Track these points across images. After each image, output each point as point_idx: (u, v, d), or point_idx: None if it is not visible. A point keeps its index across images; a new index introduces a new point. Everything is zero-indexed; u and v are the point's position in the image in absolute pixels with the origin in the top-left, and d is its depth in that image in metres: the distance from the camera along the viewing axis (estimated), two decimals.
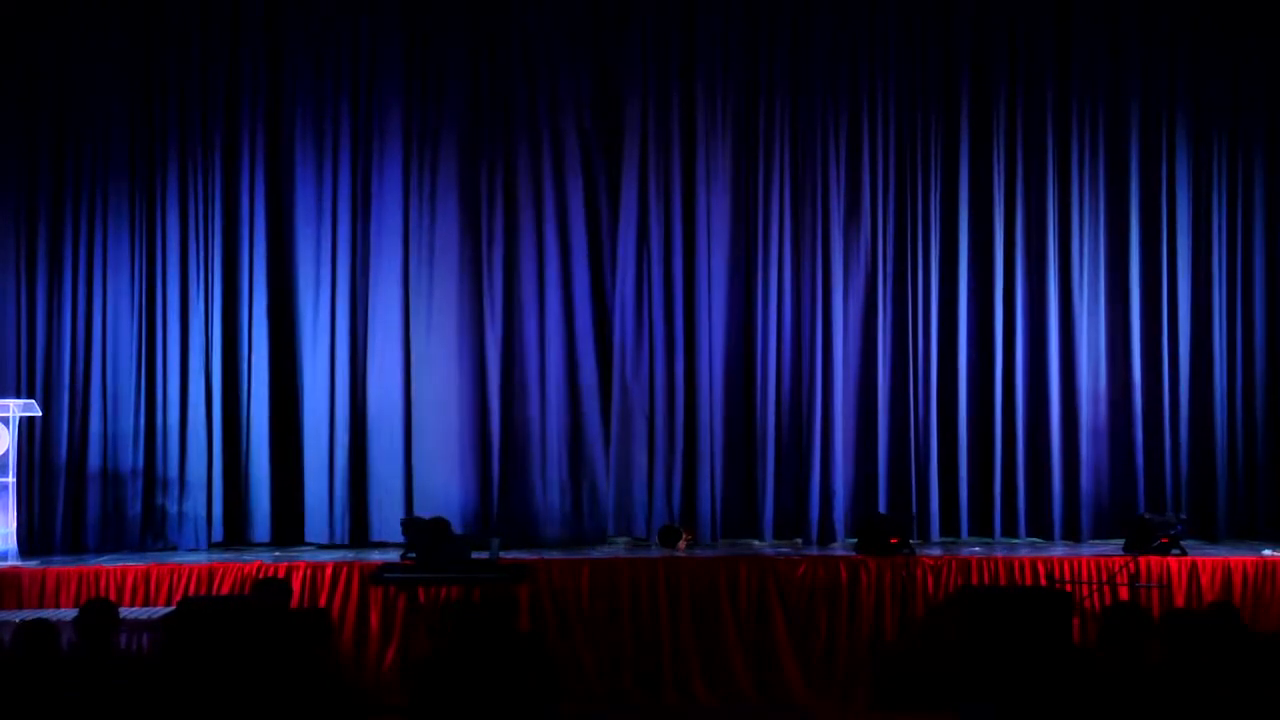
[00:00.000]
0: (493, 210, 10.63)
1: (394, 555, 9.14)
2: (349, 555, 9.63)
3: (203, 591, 8.70)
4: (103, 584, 8.70)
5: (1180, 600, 8.82)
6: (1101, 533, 10.55)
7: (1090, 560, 9.00)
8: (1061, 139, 10.81)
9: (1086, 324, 10.74)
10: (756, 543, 10.39)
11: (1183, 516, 9.77)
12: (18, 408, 9.43)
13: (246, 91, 10.52)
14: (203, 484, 10.34)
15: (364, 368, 10.52)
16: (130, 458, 10.31)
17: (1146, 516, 9.58)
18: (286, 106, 10.56)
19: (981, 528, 10.67)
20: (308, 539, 10.36)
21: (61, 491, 10.20)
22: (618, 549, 10.06)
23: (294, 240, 10.55)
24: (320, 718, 5.60)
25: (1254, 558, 9.07)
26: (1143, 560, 8.80)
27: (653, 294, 10.61)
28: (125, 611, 7.66)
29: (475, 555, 8.71)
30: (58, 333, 10.35)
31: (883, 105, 10.77)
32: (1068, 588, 8.64)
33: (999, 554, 9.29)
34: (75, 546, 10.10)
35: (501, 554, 8.85)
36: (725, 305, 10.68)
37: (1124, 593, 8.61)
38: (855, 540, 9.84)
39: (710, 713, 8.56)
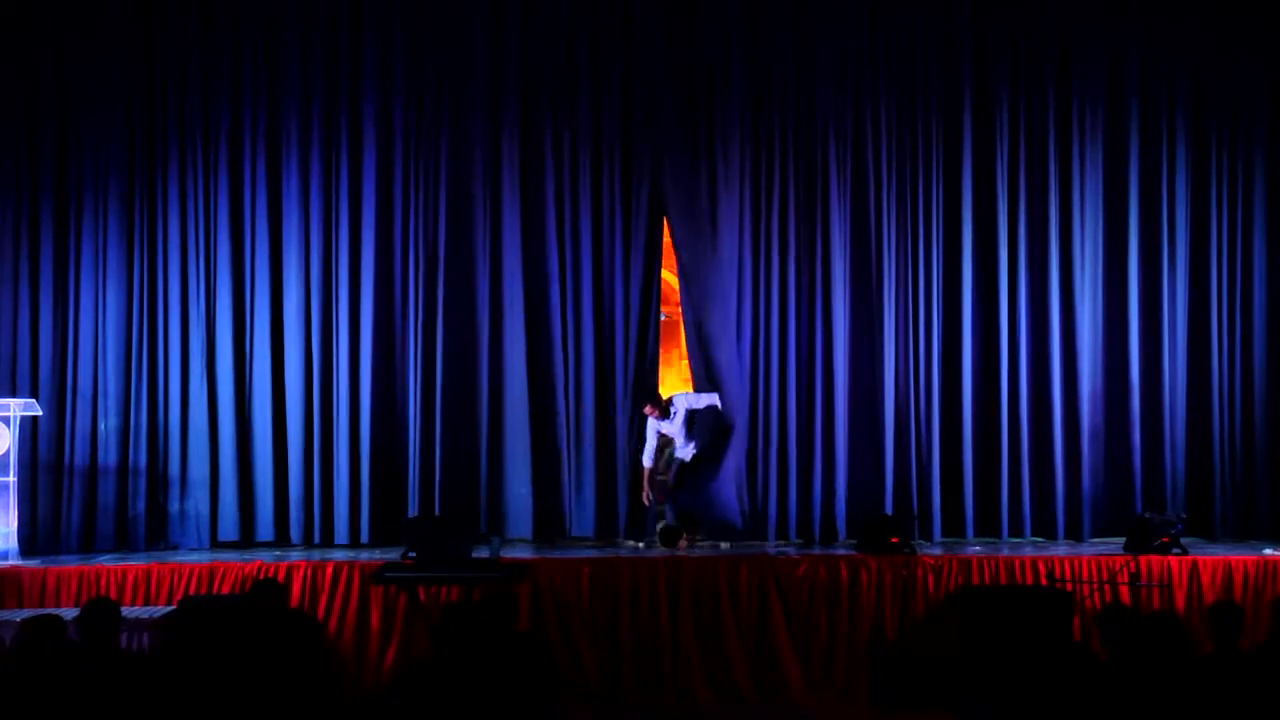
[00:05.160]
0: (496, 210, 10.64)
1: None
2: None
3: (203, 591, 8.71)
4: (104, 583, 8.72)
5: (1181, 599, 8.83)
6: (1102, 532, 10.56)
7: (1091, 560, 9.00)
8: (1063, 140, 10.82)
9: (1087, 324, 10.76)
10: (759, 542, 10.38)
11: (1183, 515, 9.77)
12: (18, 407, 9.45)
13: (247, 90, 10.54)
14: (205, 483, 10.36)
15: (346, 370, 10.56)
16: (131, 457, 10.33)
17: (1147, 516, 9.59)
18: (285, 104, 10.57)
19: (986, 527, 10.68)
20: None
21: (62, 491, 10.22)
22: (623, 549, 10.07)
23: (292, 239, 10.58)
24: (317, 717, 5.62)
25: (1254, 557, 9.07)
26: (1143, 559, 8.81)
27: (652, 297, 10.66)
28: (126, 611, 7.66)
29: (476, 554, 8.72)
30: (59, 332, 10.37)
31: (885, 107, 10.79)
32: (1068, 587, 8.64)
33: (1000, 553, 9.30)
34: (76, 546, 10.11)
35: (502, 553, 8.87)
36: (731, 306, 10.67)
37: (1125, 592, 8.61)
38: (856, 540, 9.85)
39: (710, 713, 8.55)
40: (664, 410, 10.27)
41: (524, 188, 10.67)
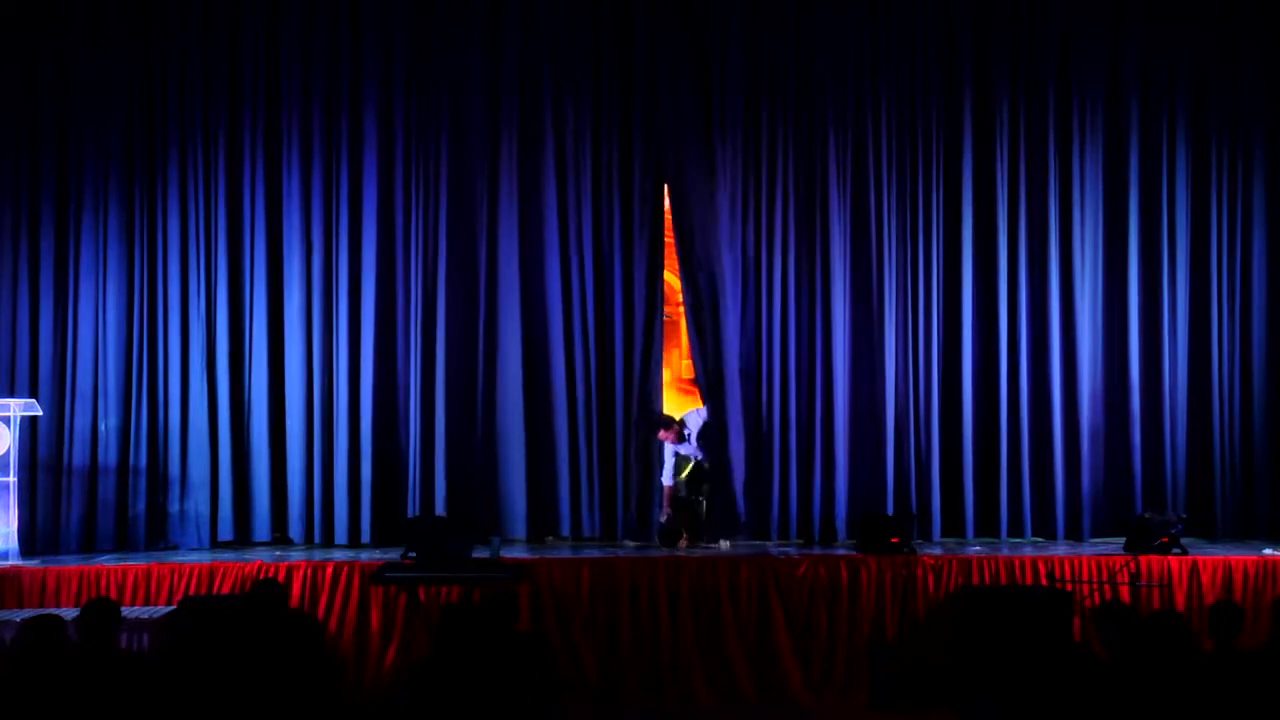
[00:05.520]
0: (495, 211, 10.65)
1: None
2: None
3: (203, 591, 8.71)
4: (103, 583, 8.71)
5: (1181, 599, 8.82)
6: (1102, 532, 10.56)
7: (1091, 559, 8.99)
8: (1063, 140, 10.81)
9: (1087, 324, 10.76)
10: (759, 542, 10.38)
11: (1183, 515, 9.77)
12: (18, 407, 9.45)
13: (247, 90, 10.55)
14: (205, 483, 10.35)
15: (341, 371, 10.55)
16: (131, 456, 10.32)
17: (1147, 515, 9.59)
18: (286, 105, 10.57)
19: (986, 528, 10.68)
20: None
21: (62, 491, 10.21)
22: (622, 549, 10.07)
23: (293, 239, 10.58)
24: (317, 717, 5.62)
25: (1254, 557, 9.07)
26: (1143, 559, 8.81)
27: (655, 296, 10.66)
28: (126, 611, 7.65)
29: (476, 554, 8.73)
30: (59, 331, 10.36)
31: (885, 106, 10.78)
32: (1068, 587, 8.64)
33: (1000, 553, 9.29)
34: (76, 546, 10.11)
35: (502, 553, 8.87)
36: (732, 305, 10.67)
37: (1125, 592, 8.61)
38: (856, 540, 9.85)
39: (710, 713, 8.55)
40: (679, 434, 10.31)
41: (523, 187, 10.66)
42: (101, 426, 10.33)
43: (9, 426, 9.33)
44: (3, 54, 10.38)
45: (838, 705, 8.61)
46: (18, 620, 6.51)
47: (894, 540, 9.23)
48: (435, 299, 10.60)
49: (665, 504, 10.33)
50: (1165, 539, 9.13)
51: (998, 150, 10.78)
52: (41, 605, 8.37)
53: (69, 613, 6.46)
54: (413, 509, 10.37)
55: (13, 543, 9.31)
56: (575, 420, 10.59)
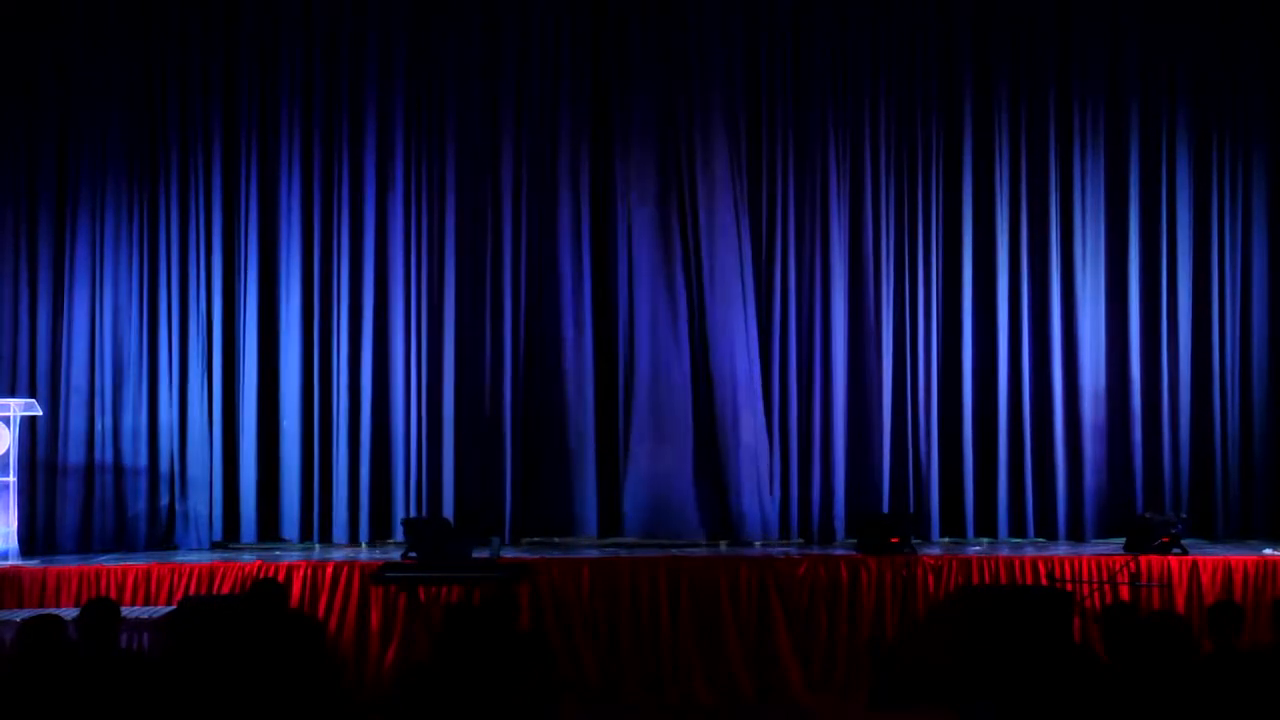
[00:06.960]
0: (498, 210, 10.65)
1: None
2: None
3: (203, 591, 8.71)
4: (103, 583, 8.71)
5: (1181, 599, 8.83)
6: (1102, 532, 10.56)
7: (1091, 559, 9.00)
8: (1063, 139, 10.82)
9: (1089, 323, 10.76)
10: (758, 542, 10.38)
11: (1183, 515, 9.78)
12: (18, 407, 9.45)
13: (245, 91, 10.55)
14: (204, 483, 10.35)
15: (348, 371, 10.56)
16: (131, 456, 10.32)
17: (1147, 515, 9.60)
18: (286, 102, 10.57)
19: (985, 527, 10.68)
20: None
21: (62, 491, 10.20)
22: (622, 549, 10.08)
23: (289, 240, 10.58)
24: (317, 717, 5.62)
25: (1254, 557, 9.07)
26: (1143, 559, 8.81)
27: (657, 295, 10.64)
28: (126, 611, 7.66)
29: (476, 554, 8.73)
30: (59, 331, 10.35)
31: (885, 105, 10.79)
32: (1068, 587, 8.65)
33: (1000, 553, 9.30)
34: (75, 546, 10.10)
35: (502, 553, 8.87)
36: (732, 305, 10.67)
37: (1125, 592, 8.61)
38: (856, 540, 9.85)
39: (710, 713, 8.55)
40: None
41: (525, 186, 10.67)
42: (100, 426, 10.32)
43: (9, 426, 9.33)
44: (3, 54, 10.37)
45: (838, 705, 8.61)
46: (18, 620, 6.51)
47: (894, 540, 9.23)
48: (443, 298, 10.59)
49: None
50: (1165, 539, 9.13)
51: (997, 150, 10.79)
52: (41, 605, 8.37)
53: (69, 613, 6.46)
54: (413, 510, 10.36)
55: (12, 543, 9.32)
56: (570, 418, 10.57)
